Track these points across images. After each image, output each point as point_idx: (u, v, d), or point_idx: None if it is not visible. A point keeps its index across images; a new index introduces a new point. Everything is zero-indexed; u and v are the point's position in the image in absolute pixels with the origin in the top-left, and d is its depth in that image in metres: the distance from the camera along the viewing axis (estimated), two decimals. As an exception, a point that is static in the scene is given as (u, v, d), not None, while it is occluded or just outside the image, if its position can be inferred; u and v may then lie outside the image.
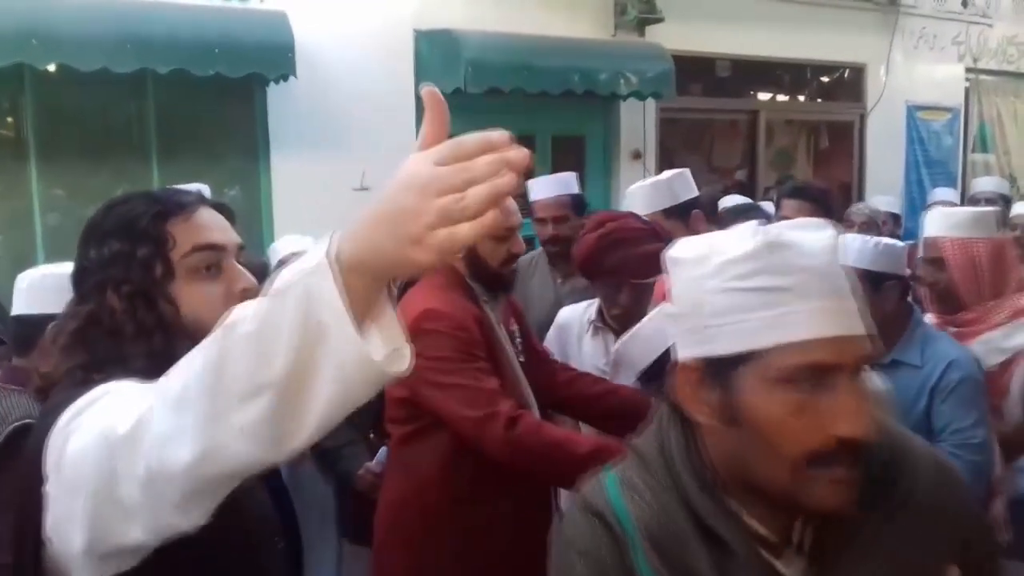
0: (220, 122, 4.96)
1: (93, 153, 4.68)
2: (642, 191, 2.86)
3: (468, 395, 2.09)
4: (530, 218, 3.35)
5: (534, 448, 2.05)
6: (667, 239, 2.21)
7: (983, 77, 8.12)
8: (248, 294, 1.27)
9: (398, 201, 0.77)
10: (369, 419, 2.83)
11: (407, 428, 2.27)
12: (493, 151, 0.76)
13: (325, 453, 2.94)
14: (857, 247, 2.39)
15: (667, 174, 2.88)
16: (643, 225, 2.47)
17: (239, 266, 1.32)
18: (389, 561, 2.30)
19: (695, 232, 2.61)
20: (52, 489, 1.05)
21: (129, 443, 0.93)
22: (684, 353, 1.04)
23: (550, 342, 2.73)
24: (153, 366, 1.07)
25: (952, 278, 2.56)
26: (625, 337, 2.05)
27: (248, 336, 0.83)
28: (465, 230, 0.75)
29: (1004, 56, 8.26)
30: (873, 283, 2.34)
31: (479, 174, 0.75)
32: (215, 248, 1.29)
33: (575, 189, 3.50)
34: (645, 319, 1.97)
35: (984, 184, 5.44)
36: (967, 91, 8.07)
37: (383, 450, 2.70)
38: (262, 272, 1.36)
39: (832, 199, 3.38)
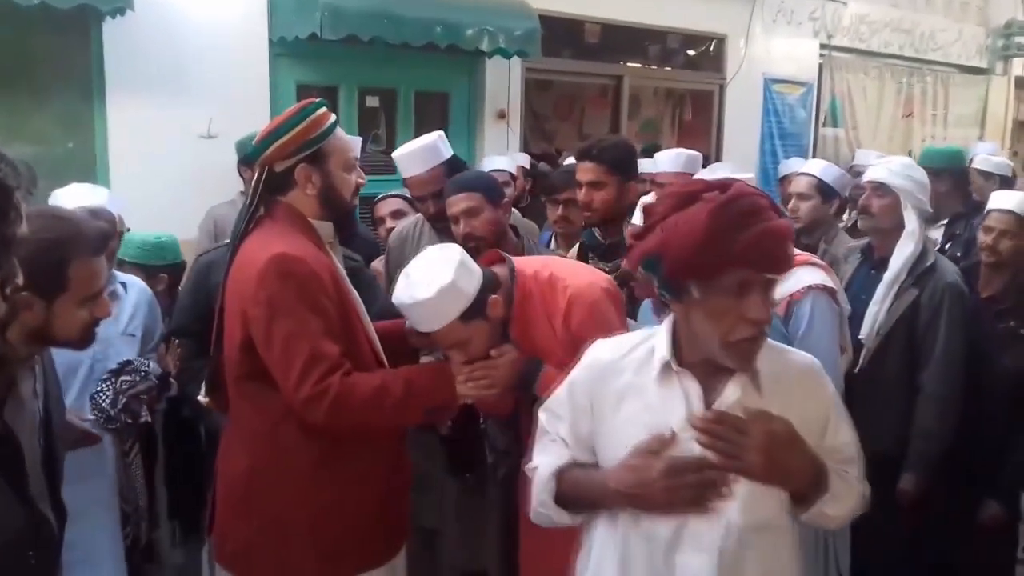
0: (49, 59, 4.50)
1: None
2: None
3: (303, 361, 1.97)
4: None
5: (354, 414, 2.02)
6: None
7: (836, 54, 8.41)
8: None
9: None
10: None
11: (252, 384, 2.09)
12: None
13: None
14: None
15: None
16: None
17: None
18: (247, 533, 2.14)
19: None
20: None
21: None
22: None
23: None
24: None
25: None
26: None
27: None
28: None
29: (856, 34, 8.59)
30: None
31: None
32: None
33: (446, 153, 3.15)
34: None
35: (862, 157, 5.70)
36: (821, 66, 8.35)
37: None
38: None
39: (622, 153, 3.03)
